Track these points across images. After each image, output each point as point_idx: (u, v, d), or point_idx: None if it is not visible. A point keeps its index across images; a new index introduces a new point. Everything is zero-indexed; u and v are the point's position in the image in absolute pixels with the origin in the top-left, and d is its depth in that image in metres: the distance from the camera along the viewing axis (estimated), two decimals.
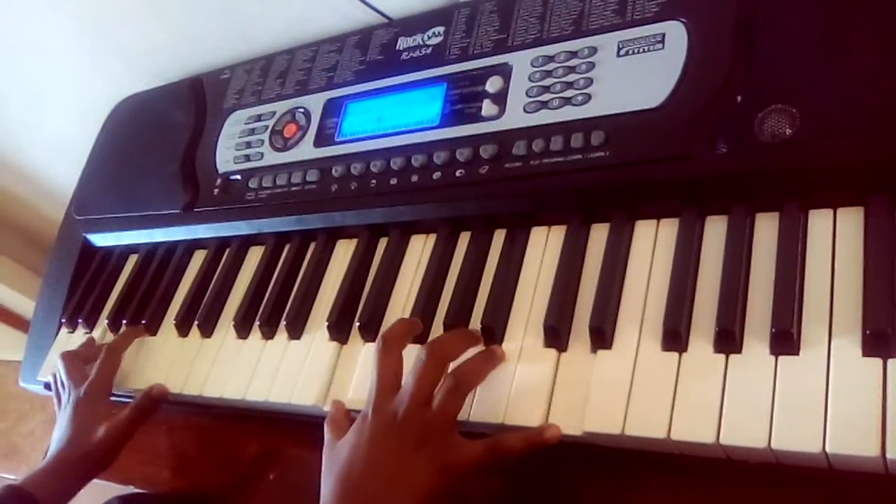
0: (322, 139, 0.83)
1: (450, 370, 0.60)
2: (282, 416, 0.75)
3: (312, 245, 0.82)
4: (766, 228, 0.58)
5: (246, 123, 0.91)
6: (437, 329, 0.68)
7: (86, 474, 0.76)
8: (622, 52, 0.67)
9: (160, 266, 0.93)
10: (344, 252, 0.80)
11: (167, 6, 1.02)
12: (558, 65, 0.70)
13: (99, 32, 1.11)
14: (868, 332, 0.50)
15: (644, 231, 0.64)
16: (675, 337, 0.56)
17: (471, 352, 0.63)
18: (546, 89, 0.69)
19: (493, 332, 0.64)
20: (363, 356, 0.71)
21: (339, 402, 0.67)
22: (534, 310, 0.64)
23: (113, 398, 0.82)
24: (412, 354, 0.61)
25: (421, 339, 0.68)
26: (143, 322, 0.88)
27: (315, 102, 0.86)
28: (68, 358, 0.85)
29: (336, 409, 0.66)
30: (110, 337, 0.91)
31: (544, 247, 0.68)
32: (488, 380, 0.62)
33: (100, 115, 1.11)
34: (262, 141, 0.88)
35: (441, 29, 0.80)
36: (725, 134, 0.59)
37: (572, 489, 0.61)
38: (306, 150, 0.83)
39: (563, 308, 0.62)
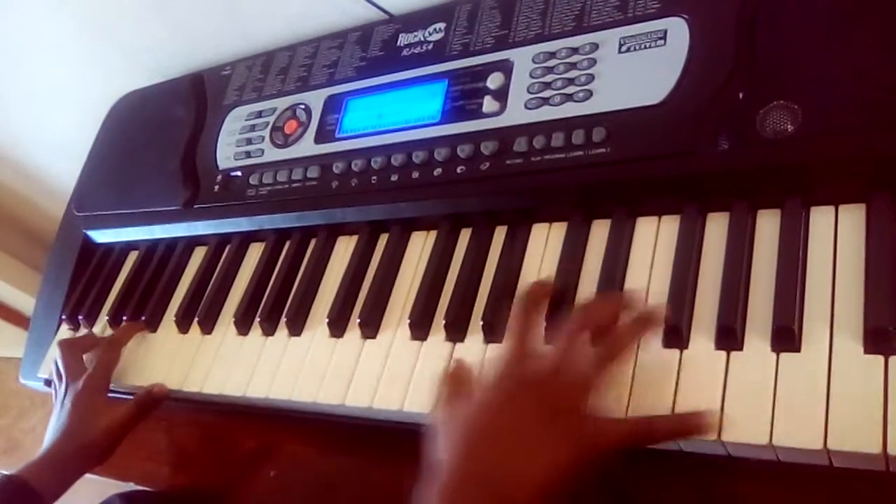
0: (323, 136, 0.82)
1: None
2: (282, 413, 0.75)
3: (313, 241, 0.82)
4: (768, 225, 0.58)
5: (246, 120, 0.91)
6: (437, 327, 0.68)
7: (82, 467, 0.76)
8: (624, 49, 0.67)
9: (160, 263, 0.93)
10: (344, 248, 0.80)
11: (168, 2, 1.02)
12: (560, 61, 0.70)
13: (100, 29, 1.11)
14: (869, 329, 0.50)
15: (645, 228, 0.63)
16: (676, 334, 0.56)
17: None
18: (547, 86, 0.69)
19: (493, 329, 0.64)
20: (363, 353, 0.70)
21: (463, 360, 0.62)
22: None
23: (111, 394, 0.82)
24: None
25: (423, 335, 0.68)
26: (144, 319, 0.88)
27: (316, 99, 0.86)
28: (67, 348, 0.85)
29: (459, 365, 0.61)
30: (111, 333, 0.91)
31: (545, 243, 0.68)
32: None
33: (100, 111, 1.11)
34: (263, 137, 0.87)
35: (442, 25, 0.80)
36: (727, 130, 0.59)
37: None
38: (307, 146, 0.83)
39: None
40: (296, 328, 0.76)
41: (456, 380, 0.59)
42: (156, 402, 0.79)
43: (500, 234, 0.71)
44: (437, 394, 0.59)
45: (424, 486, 0.51)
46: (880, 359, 0.49)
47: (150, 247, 0.96)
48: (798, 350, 0.52)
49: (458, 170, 0.71)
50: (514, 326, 0.58)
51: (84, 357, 0.86)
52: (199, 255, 0.92)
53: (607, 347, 0.54)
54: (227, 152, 0.90)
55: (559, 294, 0.63)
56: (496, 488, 0.49)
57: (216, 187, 0.88)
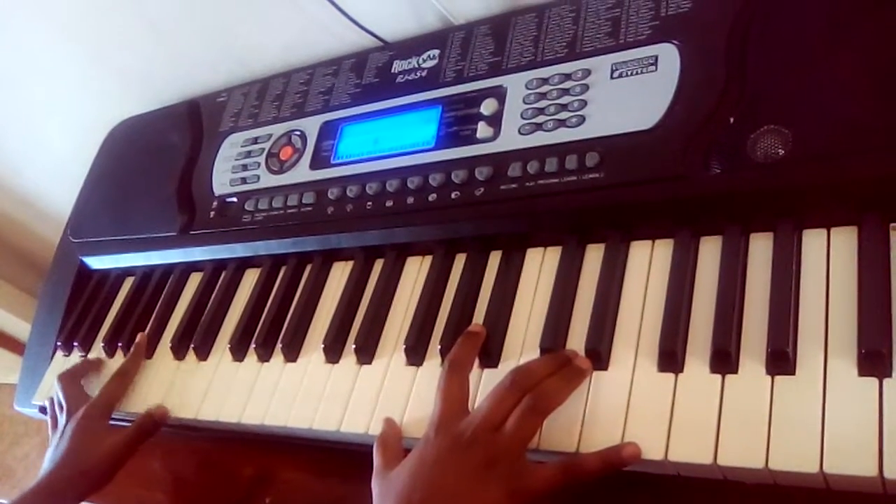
0: (318, 162, 0.83)
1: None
2: (278, 440, 0.75)
3: (308, 267, 0.82)
4: (761, 248, 0.59)
5: (242, 146, 0.91)
6: (433, 351, 0.68)
7: (79, 495, 0.75)
8: (616, 75, 0.68)
9: (156, 289, 0.93)
10: (340, 274, 0.80)
11: (165, 30, 1.03)
12: (552, 87, 0.70)
13: (97, 56, 1.12)
14: (863, 351, 0.50)
15: (639, 252, 0.64)
16: (671, 358, 0.56)
17: None
18: (540, 111, 0.70)
19: (489, 353, 0.64)
20: (359, 379, 0.70)
21: (392, 420, 0.65)
22: (530, 331, 0.64)
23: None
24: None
25: (418, 360, 0.68)
26: (147, 332, 0.88)
27: (311, 125, 0.86)
28: (66, 379, 0.85)
29: (389, 429, 0.63)
30: (107, 360, 0.91)
31: (540, 268, 0.68)
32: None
33: (97, 137, 1.12)
34: (259, 163, 0.88)
35: (436, 52, 0.81)
36: (719, 155, 0.60)
37: None
38: (302, 172, 0.83)
39: (558, 329, 0.62)
40: (291, 354, 0.76)
41: (385, 448, 0.61)
42: (157, 425, 0.79)
43: (494, 258, 0.71)
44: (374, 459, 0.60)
45: None
46: (874, 381, 0.49)
47: (146, 273, 0.96)
48: (793, 373, 0.52)
49: (453, 195, 0.71)
50: (443, 387, 0.60)
51: (83, 383, 0.86)
52: (194, 280, 0.91)
53: (535, 402, 0.56)
54: (223, 178, 0.90)
55: (551, 324, 0.63)
56: None
57: (212, 213, 0.88)
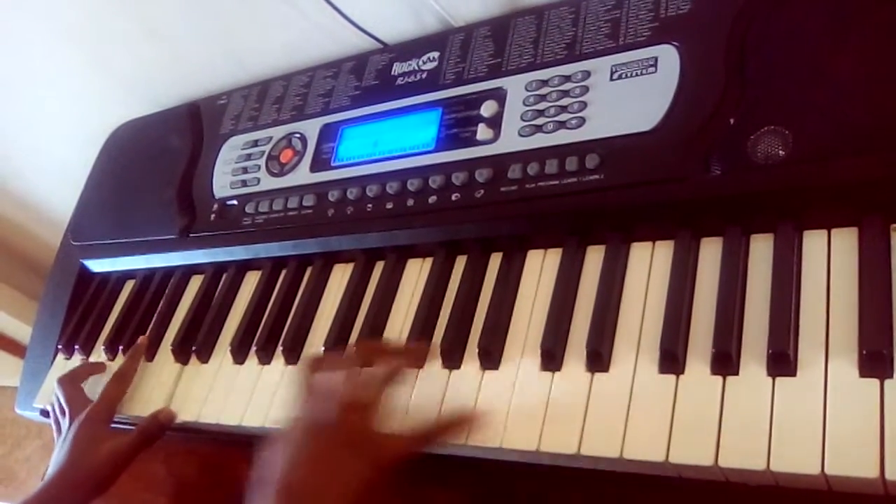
0: (318, 164, 0.83)
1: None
2: None
3: (309, 270, 0.82)
4: (761, 250, 0.58)
5: (242, 149, 0.91)
6: (433, 354, 0.68)
7: (83, 498, 0.75)
8: (615, 76, 0.68)
9: (157, 292, 0.93)
10: (340, 276, 0.80)
11: (165, 33, 1.03)
12: (552, 89, 0.71)
13: (97, 59, 1.12)
14: (864, 352, 0.50)
15: (640, 253, 0.64)
16: (671, 359, 0.56)
17: None
18: (540, 113, 0.70)
19: (490, 355, 0.64)
20: None
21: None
22: (530, 333, 0.64)
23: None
24: None
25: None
26: (147, 334, 0.88)
27: (311, 128, 0.86)
28: (67, 381, 0.85)
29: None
30: (107, 363, 0.91)
31: (540, 269, 0.68)
32: (486, 403, 0.61)
33: (98, 140, 1.12)
34: (259, 166, 0.88)
35: (436, 54, 0.81)
36: (719, 156, 0.60)
37: None
38: (303, 175, 0.83)
39: (559, 331, 0.62)
40: (292, 357, 0.76)
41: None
42: (162, 429, 0.78)
43: (495, 260, 0.71)
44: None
45: None
46: (875, 382, 0.49)
47: (147, 276, 0.96)
48: (794, 374, 0.52)
49: (453, 197, 0.71)
50: (301, 377, 0.63)
51: (84, 386, 0.86)
52: (195, 283, 0.91)
53: (379, 373, 0.60)
54: (224, 181, 0.90)
55: (552, 326, 0.63)
56: None
57: (212, 216, 0.88)
